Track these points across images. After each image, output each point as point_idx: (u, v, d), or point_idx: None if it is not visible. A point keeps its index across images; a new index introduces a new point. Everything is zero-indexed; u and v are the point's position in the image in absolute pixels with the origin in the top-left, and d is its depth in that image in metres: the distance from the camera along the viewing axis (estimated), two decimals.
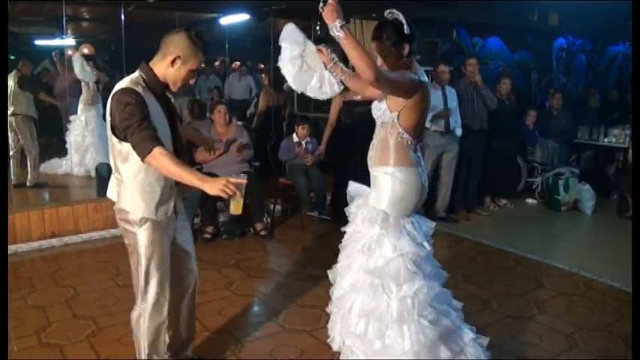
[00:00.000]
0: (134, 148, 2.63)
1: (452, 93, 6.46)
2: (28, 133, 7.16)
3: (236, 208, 2.70)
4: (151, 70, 2.78)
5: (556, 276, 5.04)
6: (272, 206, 6.54)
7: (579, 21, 9.65)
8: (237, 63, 10.18)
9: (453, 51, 8.92)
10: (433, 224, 3.19)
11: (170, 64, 2.74)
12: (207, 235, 5.82)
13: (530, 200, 7.76)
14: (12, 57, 6.65)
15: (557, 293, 4.65)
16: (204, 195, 3.15)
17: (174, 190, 2.92)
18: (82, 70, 7.37)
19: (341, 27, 2.63)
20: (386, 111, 2.96)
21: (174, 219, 2.97)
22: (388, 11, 2.98)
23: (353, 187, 3.29)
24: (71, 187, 7.55)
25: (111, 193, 2.93)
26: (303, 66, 3.04)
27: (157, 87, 2.79)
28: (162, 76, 2.78)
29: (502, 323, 4.05)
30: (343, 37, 2.62)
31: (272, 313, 4.21)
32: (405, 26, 2.92)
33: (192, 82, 2.90)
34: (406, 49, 2.95)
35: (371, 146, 3.13)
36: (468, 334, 3.13)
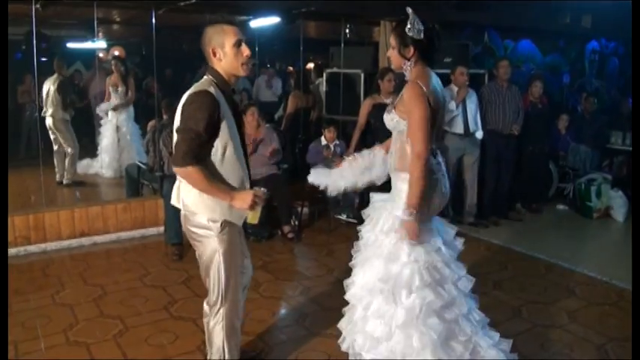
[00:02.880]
0: (176, 151, 2.66)
1: (470, 95, 6.33)
2: (66, 133, 7.30)
3: (254, 217, 2.78)
4: (217, 71, 2.81)
5: (587, 284, 4.94)
6: (299, 209, 6.52)
7: (613, 23, 9.45)
8: (267, 66, 10.24)
9: (485, 53, 8.82)
10: (455, 229, 3.16)
11: (216, 58, 2.78)
12: None
13: (561, 206, 7.59)
14: (43, 59, 6.73)
15: (589, 302, 4.56)
16: None
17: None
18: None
19: (410, 215, 2.83)
20: (399, 121, 2.95)
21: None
22: (409, 10, 2.94)
23: (376, 198, 3.25)
24: (101, 188, 7.64)
25: (177, 200, 2.90)
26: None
27: (226, 86, 2.83)
28: (223, 72, 2.82)
29: (532, 332, 3.97)
30: (415, 207, 2.83)
31: (299, 316, 4.20)
32: (410, 29, 2.87)
33: (246, 53, 2.81)
34: (410, 51, 2.92)
35: (390, 153, 3.13)
36: (487, 341, 3.07)
